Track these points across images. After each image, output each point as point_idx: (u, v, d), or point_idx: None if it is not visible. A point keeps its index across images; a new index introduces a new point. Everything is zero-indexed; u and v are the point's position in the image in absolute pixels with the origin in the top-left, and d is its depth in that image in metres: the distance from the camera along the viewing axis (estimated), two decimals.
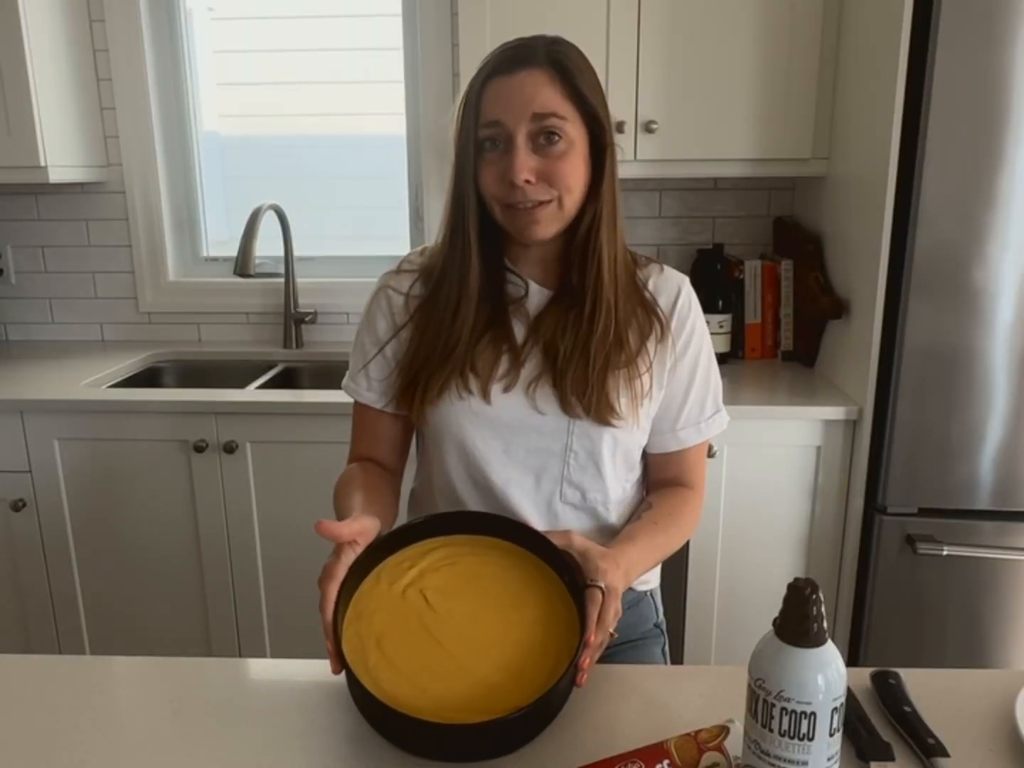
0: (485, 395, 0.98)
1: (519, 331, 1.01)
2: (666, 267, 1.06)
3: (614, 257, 0.97)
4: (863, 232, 1.68)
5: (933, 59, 1.44)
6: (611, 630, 0.81)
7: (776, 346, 2.09)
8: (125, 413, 1.78)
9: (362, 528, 0.82)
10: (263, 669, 0.92)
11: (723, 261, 2.09)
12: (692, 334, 1.03)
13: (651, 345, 1.00)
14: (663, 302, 1.02)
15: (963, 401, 1.57)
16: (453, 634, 0.79)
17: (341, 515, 0.93)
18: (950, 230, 1.50)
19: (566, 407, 0.97)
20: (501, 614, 0.81)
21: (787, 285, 2.04)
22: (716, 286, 2.06)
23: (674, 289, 1.03)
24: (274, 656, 1.92)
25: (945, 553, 1.61)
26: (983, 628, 1.68)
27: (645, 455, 1.09)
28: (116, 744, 0.77)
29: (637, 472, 1.08)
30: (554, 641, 0.78)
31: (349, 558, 0.80)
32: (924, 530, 1.64)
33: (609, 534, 1.04)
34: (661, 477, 1.09)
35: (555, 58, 0.92)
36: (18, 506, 1.83)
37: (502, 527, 0.88)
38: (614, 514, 1.05)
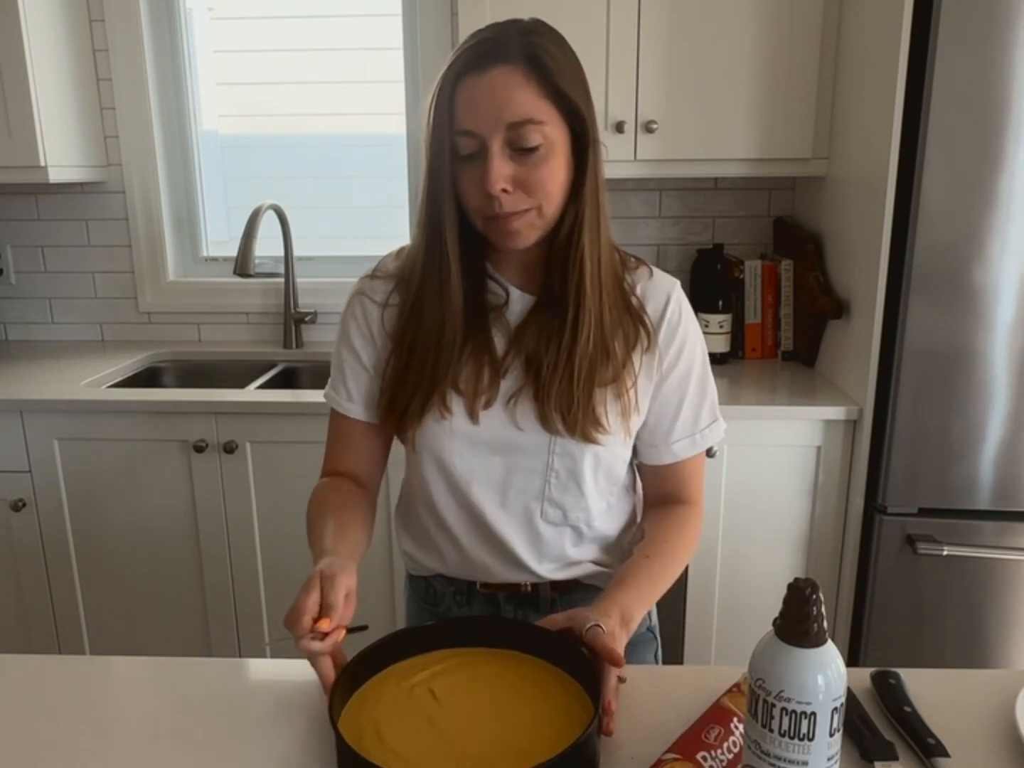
0: (472, 416, 0.94)
1: (499, 342, 0.96)
2: (656, 271, 1.00)
3: (597, 260, 0.91)
4: (863, 232, 1.68)
5: (933, 59, 1.44)
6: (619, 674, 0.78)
7: (776, 346, 2.09)
8: (125, 413, 1.78)
9: (345, 594, 0.78)
10: (263, 669, 0.92)
11: (723, 261, 2.09)
12: (684, 344, 0.98)
13: (637, 356, 0.95)
14: (651, 310, 0.97)
15: (963, 401, 1.57)
16: (456, 723, 0.75)
17: (313, 543, 0.90)
18: (950, 230, 1.50)
19: (546, 423, 0.93)
20: (512, 712, 0.76)
21: (787, 285, 2.04)
22: (716, 286, 2.06)
23: (663, 296, 0.97)
24: (274, 656, 1.92)
25: (945, 553, 1.61)
26: (983, 628, 1.68)
27: (639, 466, 1.06)
28: (116, 744, 0.77)
29: (622, 482, 1.04)
30: (566, 731, 0.72)
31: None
32: (924, 530, 1.64)
33: (590, 540, 1.02)
34: (657, 492, 1.05)
35: (530, 52, 0.84)
36: (18, 506, 1.83)
37: (520, 633, 0.84)
38: (598, 527, 1.02)
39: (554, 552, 1.01)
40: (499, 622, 0.90)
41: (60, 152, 2.01)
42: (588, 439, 0.93)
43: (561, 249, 0.91)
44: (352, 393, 1.01)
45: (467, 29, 1.83)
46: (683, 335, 0.98)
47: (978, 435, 1.58)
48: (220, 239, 2.39)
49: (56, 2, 2.00)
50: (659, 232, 2.22)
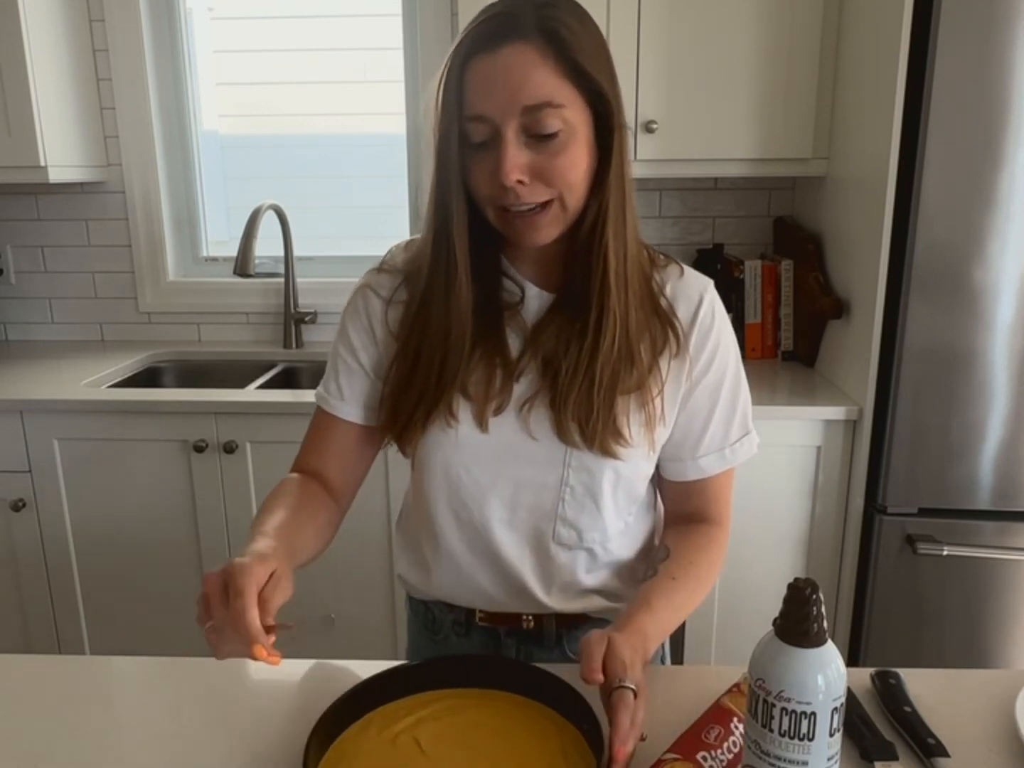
0: (482, 424, 0.87)
1: (514, 342, 0.88)
2: (688, 269, 0.93)
3: (623, 256, 0.83)
4: (863, 232, 1.68)
5: (933, 59, 1.44)
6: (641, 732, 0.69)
7: (776, 346, 2.09)
8: (125, 413, 1.78)
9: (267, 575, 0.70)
10: (263, 669, 0.91)
11: (723, 261, 2.09)
12: (716, 350, 0.90)
13: (664, 362, 0.87)
14: (682, 312, 0.89)
15: (963, 401, 1.57)
16: None
17: (254, 524, 0.82)
18: (950, 230, 1.50)
19: (562, 433, 0.86)
20: (505, 763, 0.71)
21: (787, 285, 2.04)
22: (716, 286, 2.06)
23: (695, 297, 0.90)
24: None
25: (945, 553, 1.61)
26: (983, 628, 1.68)
27: (660, 480, 0.98)
28: (116, 744, 0.77)
29: (640, 501, 0.95)
30: None
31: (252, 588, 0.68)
32: (924, 530, 1.64)
33: (604, 565, 0.95)
34: (680, 510, 0.96)
35: (547, 26, 0.75)
36: (18, 506, 1.83)
37: (512, 673, 0.80)
38: (613, 550, 0.95)
39: (564, 578, 0.93)
40: (490, 661, 0.85)
41: (60, 152, 2.01)
42: (607, 453, 0.86)
43: (583, 244, 0.84)
44: (344, 391, 0.93)
45: None
46: (716, 339, 0.90)
47: (978, 435, 1.58)
48: (220, 239, 2.39)
49: (56, 2, 2.00)
50: (659, 232, 2.21)
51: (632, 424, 0.86)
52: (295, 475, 0.93)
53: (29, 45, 1.88)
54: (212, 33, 2.26)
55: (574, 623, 0.96)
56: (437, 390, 0.86)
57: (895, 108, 1.51)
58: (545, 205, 0.80)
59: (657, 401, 0.87)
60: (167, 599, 1.90)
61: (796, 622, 0.61)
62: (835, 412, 1.69)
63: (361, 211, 2.34)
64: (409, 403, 0.88)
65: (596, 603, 0.96)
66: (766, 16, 1.78)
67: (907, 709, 0.78)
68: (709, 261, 2.10)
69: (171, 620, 1.91)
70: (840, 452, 1.73)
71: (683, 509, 0.95)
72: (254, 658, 0.66)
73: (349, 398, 0.93)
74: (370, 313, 0.93)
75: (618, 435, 0.85)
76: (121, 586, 1.90)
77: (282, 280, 2.26)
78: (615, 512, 0.92)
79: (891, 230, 1.56)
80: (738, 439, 0.94)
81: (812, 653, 0.61)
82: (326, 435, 0.95)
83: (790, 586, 0.61)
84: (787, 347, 2.08)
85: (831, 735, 0.61)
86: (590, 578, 0.94)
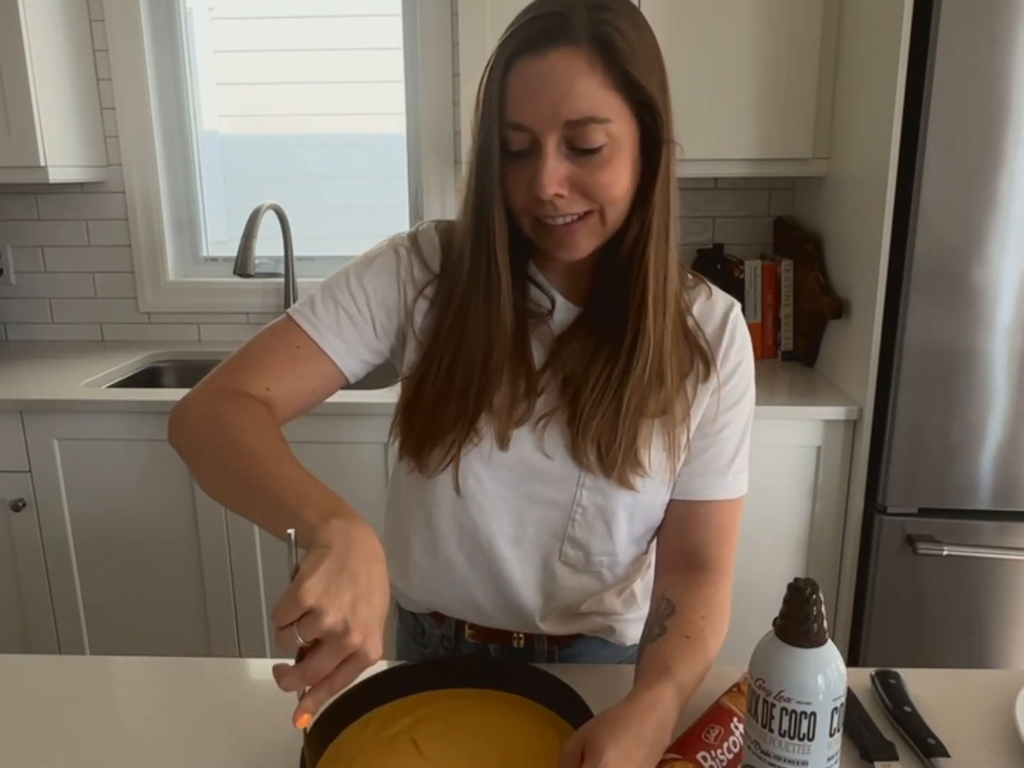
0: (503, 443, 0.83)
1: (538, 354, 0.84)
2: (715, 290, 0.89)
3: (663, 277, 0.79)
4: (863, 232, 1.68)
5: (933, 59, 1.44)
6: None
7: (776, 346, 2.09)
8: (125, 413, 1.78)
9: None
10: (263, 669, 0.92)
11: (723, 261, 2.09)
12: (739, 376, 0.87)
13: (690, 386, 0.84)
14: (709, 334, 0.86)
15: (963, 401, 1.57)
16: None
17: (295, 480, 0.70)
18: (950, 230, 1.50)
19: (577, 454, 0.82)
20: (504, 765, 0.70)
21: (787, 285, 2.04)
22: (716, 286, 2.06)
23: (721, 319, 0.87)
24: (274, 656, 1.92)
25: (945, 553, 1.61)
26: (983, 628, 1.68)
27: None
28: (116, 744, 0.77)
29: (656, 526, 0.91)
30: None
31: None
32: (924, 530, 1.64)
33: (610, 587, 0.92)
34: (679, 547, 0.88)
35: (599, 31, 0.70)
36: (18, 506, 1.83)
37: (513, 674, 0.79)
38: (621, 573, 0.92)
39: (565, 600, 0.90)
40: (489, 661, 0.85)
41: (60, 152, 2.01)
42: (624, 484, 0.82)
43: (622, 263, 0.80)
44: (343, 330, 0.83)
45: (467, 29, 1.84)
46: (739, 365, 0.87)
47: (978, 435, 1.58)
48: (220, 239, 2.39)
49: (56, 2, 2.00)
50: None
51: (653, 449, 0.83)
52: (253, 403, 0.79)
53: (29, 45, 1.88)
54: (212, 33, 2.25)
55: (567, 641, 0.94)
56: (473, 413, 0.82)
57: (895, 108, 1.51)
58: (584, 216, 0.76)
59: (683, 427, 0.84)
60: (167, 599, 1.90)
61: (796, 622, 0.61)
62: (835, 412, 1.69)
63: (361, 211, 2.34)
64: (442, 428, 0.83)
65: (592, 624, 0.93)
66: (766, 16, 1.78)
67: (907, 709, 0.78)
68: (709, 261, 2.10)
69: (171, 620, 1.91)
70: (840, 452, 1.73)
71: (683, 546, 0.88)
72: (295, 718, 0.63)
73: (346, 339, 0.84)
74: (401, 275, 0.86)
75: (637, 464, 0.82)
76: (121, 586, 1.90)
77: (282, 280, 2.26)
78: (628, 537, 0.88)
79: (891, 230, 1.56)
80: (740, 471, 0.91)
81: (812, 653, 0.61)
82: (287, 359, 0.82)
83: (790, 586, 0.61)
84: (787, 347, 2.08)
85: (831, 735, 0.61)
86: (593, 602, 0.91)
